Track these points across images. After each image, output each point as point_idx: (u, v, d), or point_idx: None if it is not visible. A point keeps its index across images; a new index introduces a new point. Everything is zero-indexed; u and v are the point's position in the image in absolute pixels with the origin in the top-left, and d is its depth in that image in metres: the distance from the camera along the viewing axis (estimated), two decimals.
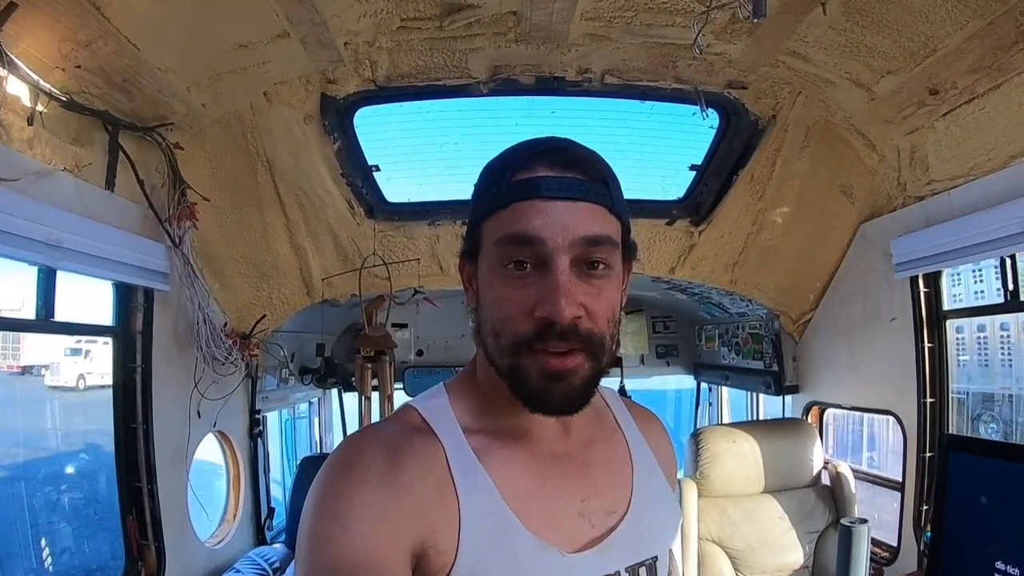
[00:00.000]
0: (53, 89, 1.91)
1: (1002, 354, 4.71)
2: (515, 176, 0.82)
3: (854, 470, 3.09)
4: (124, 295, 2.41)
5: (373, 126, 2.86)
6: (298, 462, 3.60)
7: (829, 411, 3.57)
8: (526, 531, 0.83)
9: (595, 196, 0.83)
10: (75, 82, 1.98)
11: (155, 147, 2.40)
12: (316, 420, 4.67)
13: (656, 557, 0.95)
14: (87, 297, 2.41)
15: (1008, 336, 4.71)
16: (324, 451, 4.40)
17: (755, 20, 1.87)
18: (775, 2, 2.11)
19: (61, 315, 2.12)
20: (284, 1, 1.98)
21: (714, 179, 3.13)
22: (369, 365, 3.36)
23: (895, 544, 2.84)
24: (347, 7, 2.11)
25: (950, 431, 2.71)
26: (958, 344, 4.52)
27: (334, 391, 4.54)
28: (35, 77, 1.83)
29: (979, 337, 4.75)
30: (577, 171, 0.83)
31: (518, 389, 0.83)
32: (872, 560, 2.48)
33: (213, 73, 2.30)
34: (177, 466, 2.60)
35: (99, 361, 2.54)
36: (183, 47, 2.12)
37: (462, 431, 0.88)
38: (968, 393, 4.53)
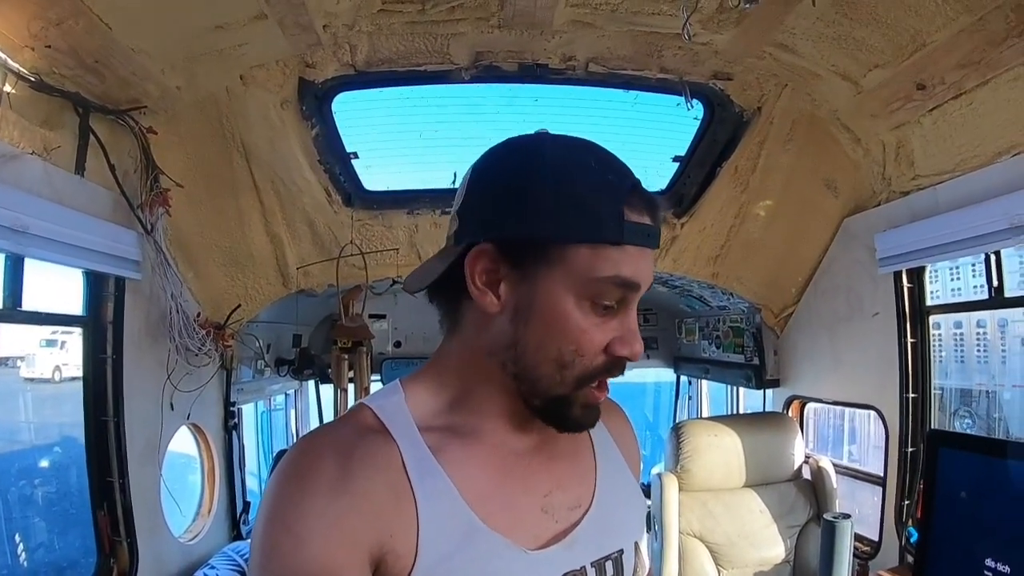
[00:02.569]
0: (22, 69, 1.84)
1: (978, 351, 4.75)
2: (628, 214, 0.78)
3: (835, 464, 3.09)
4: (95, 284, 2.34)
5: (352, 112, 2.81)
6: (274, 455, 3.55)
7: (810, 405, 3.57)
8: (487, 529, 0.80)
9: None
10: (45, 62, 1.90)
11: (127, 131, 2.32)
12: (293, 412, 4.61)
13: (622, 550, 0.93)
14: (59, 286, 2.35)
15: (984, 333, 4.75)
16: None
17: (748, 6, 1.83)
18: None
19: (30, 304, 2.05)
20: None
21: (697, 171, 3.11)
22: (345, 356, 3.31)
23: (876, 539, 2.84)
24: None
25: (932, 426, 2.70)
26: (936, 341, 4.56)
27: (311, 383, 4.42)
28: (3, 56, 1.76)
29: (956, 334, 4.79)
30: (659, 222, 0.84)
31: (556, 415, 0.85)
32: (854, 555, 2.48)
33: (188, 55, 2.23)
34: (149, 460, 2.54)
35: (75, 352, 2.47)
36: (157, 27, 2.05)
37: (418, 430, 0.84)
38: (944, 389, 4.57)
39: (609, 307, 0.80)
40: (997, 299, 2.47)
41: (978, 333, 4.75)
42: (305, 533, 0.73)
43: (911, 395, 2.69)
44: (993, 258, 2.43)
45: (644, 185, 0.82)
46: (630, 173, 0.83)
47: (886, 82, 2.39)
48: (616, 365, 0.82)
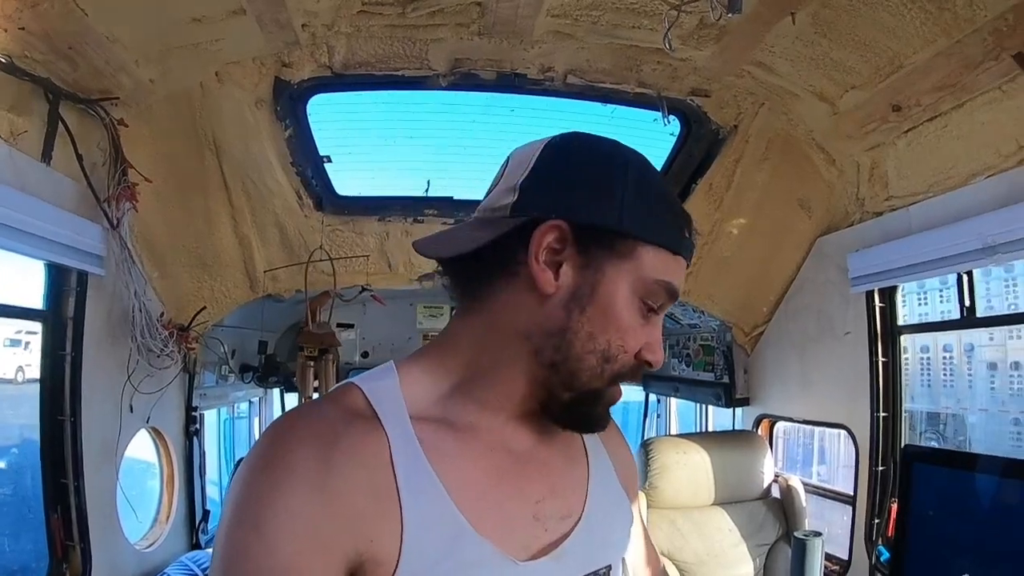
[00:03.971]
0: None
1: (944, 375, 4.82)
2: (685, 232, 0.84)
3: (804, 483, 3.09)
4: (56, 277, 2.26)
5: (327, 115, 2.79)
6: (235, 463, 3.47)
7: (779, 424, 3.57)
8: (476, 535, 0.75)
9: None
10: (17, 45, 1.85)
11: (97, 122, 2.26)
12: (257, 420, 4.54)
13: (610, 566, 0.89)
14: (16, 282, 2.30)
15: (951, 358, 4.82)
16: None
17: (730, 15, 1.83)
18: (744, 10, 2.09)
19: None
20: None
21: (672, 187, 3.10)
22: (311, 364, 3.26)
23: (846, 558, 2.84)
24: None
25: (903, 444, 2.72)
26: (903, 365, 4.61)
27: (276, 391, 4.40)
28: None
29: (923, 359, 4.85)
30: None
31: (580, 411, 0.83)
32: (824, 574, 2.46)
33: (163, 47, 2.19)
34: (106, 463, 2.46)
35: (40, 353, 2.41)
36: (134, 16, 2.00)
37: (411, 419, 0.78)
38: (911, 412, 4.62)
39: (651, 311, 0.82)
40: (969, 319, 2.50)
41: (944, 357, 4.81)
42: (275, 535, 0.67)
43: (882, 414, 2.71)
44: (965, 278, 2.45)
45: None
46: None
47: (862, 103, 2.42)
48: (639, 369, 0.83)
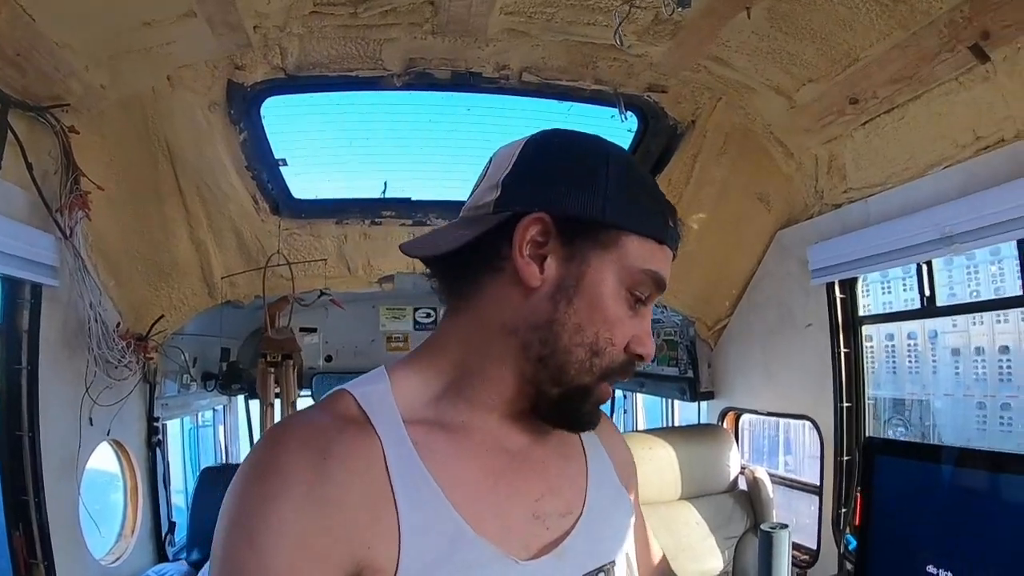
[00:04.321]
0: None
1: (910, 362, 4.88)
2: (668, 221, 0.84)
3: (771, 475, 3.12)
4: (9, 290, 2.22)
5: (281, 117, 2.76)
6: (199, 473, 3.43)
7: (745, 417, 3.60)
8: (476, 536, 0.74)
9: None
10: None
11: (48, 129, 2.21)
12: (222, 429, 4.48)
13: (613, 562, 0.88)
14: None
15: (915, 345, 4.88)
16: (229, 461, 4.24)
17: (680, 10, 1.84)
18: (700, 5, 2.10)
19: None
20: None
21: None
22: (271, 371, 3.22)
23: (815, 547, 2.86)
24: None
25: (867, 435, 2.75)
26: (869, 352, 4.64)
27: (240, 398, 4.33)
28: None
29: (888, 346, 4.91)
30: None
31: (568, 408, 0.83)
32: (792, 564, 2.47)
33: (114, 52, 2.15)
34: (67, 477, 2.41)
35: None
36: (83, 21, 1.97)
37: (403, 422, 0.77)
38: (877, 399, 4.68)
39: (639, 302, 0.82)
40: (929, 308, 2.53)
41: (909, 345, 4.87)
42: (269, 547, 0.66)
43: (845, 404, 2.73)
44: (925, 268, 2.48)
45: None
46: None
47: (819, 96, 2.43)
48: (630, 365, 0.83)
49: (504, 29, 2.31)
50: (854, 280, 2.75)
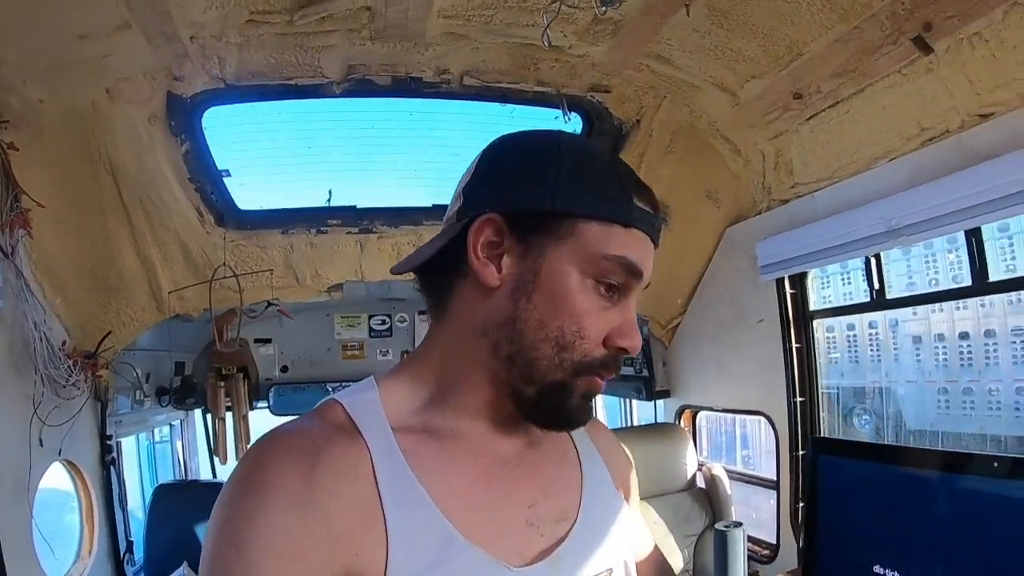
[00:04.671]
0: None
1: (871, 350, 4.93)
2: (636, 200, 0.80)
3: (729, 471, 3.13)
4: None
5: (223, 128, 2.75)
6: (154, 489, 3.38)
7: (702, 414, 3.62)
8: (467, 543, 0.73)
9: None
10: None
11: None
12: (179, 444, 4.43)
13: (611, 570, 0.87)
14: None
15: (876, 334, 4.93)
16: (188, 476, 4.19)
17: (604, 9, 1.84)
18: (638, 4, 2.10)
19: None
20: None
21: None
22: (221, 384, 3.18)
23: (774, 542, 2.88)
24: None
25: (822, 429, 2.77)
26: (830, 342, 4.67)
27: (197, 412, 4.29)
28: None
29: (849, 336, 4.96)
30: (660, 217, 0.84)
31: (550, 405, 0.80)
32: (752, 559, 2.49)
33: (51, 65, 2.12)
34: (19, 501, 2.36)
35: None
36: (18, 35, 1.94)
37: (392, 430, 0.77)
38: (841, 388, 4.73)
39: (612, 290, 0.79)
40: (879, 301, 2.55)
41: (870, 334, 4.92)
42: (256, 555, 0.65)
43: (799, 399, 2.75)
44: (873, 261, 2.50)
45: None
46: (634, 172, 0.85)
47: (763, 92, 2.45)
48: (614, 360, 0.80)
49: (443, 33, 2.31)
50: (804, 275, 2.78)
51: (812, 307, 2.82)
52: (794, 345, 2.77)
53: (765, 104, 2.50)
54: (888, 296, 2.56)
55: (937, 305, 4.54)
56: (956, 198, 2.00)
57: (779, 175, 2.70)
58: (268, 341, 4.28)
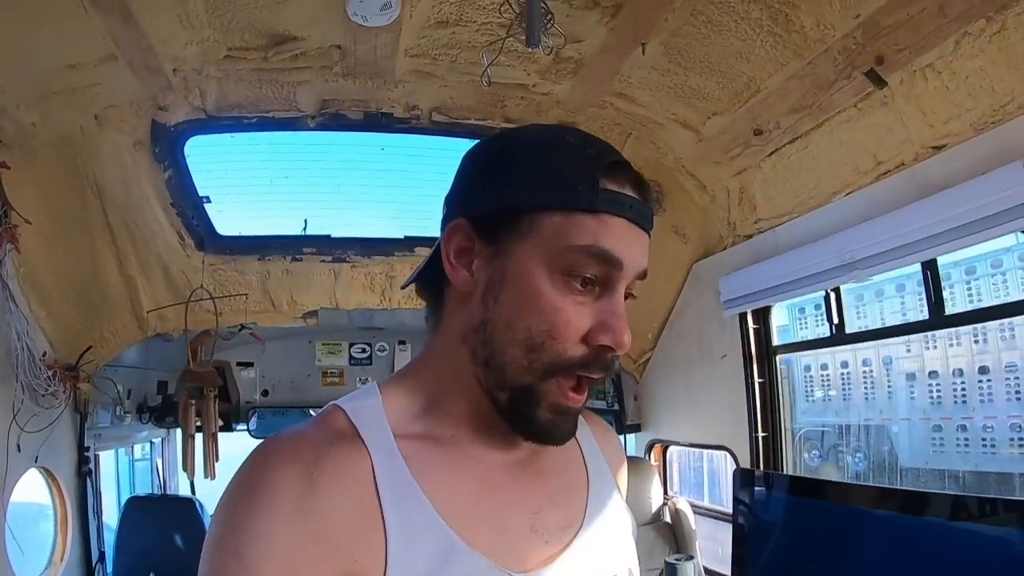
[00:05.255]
0: None
1: (865, 388, 4.91)
2: (604, 183, 0.73)
3: (696, 505, 3.13)
4: None
5: (204, 156, 2.86)
6: (123, 503, 3.45)
7: (672, 448, 3.62)
8: (469, 550, 0.71)
9: (651, 229, 0.80)
10: None
11: None
12: (160, 461, 4.48)
13: None
14: None
15: (871, 371, 4.91)
16: (165, 491, 4.24)
17: (531, 49, 1.90)
18: (596, 43, 2.17)
19: None
20: (110, 23, 1.95)
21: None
22: (192, 403, 3.25)
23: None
24: (173, 33, 2.11)
25: (785, 465, 2.76)
26: (823, 380, 4.66)
27: (178, 431, 4.24)
28: None
29: (842, 373, 4.94)
30: (648, 200, 0.79)
31: (520, 414, 0.76)
32: None
33: (43, 92, 2.24)
34: None
35: None
36: (11, 63, 2.06)
37: (394, 436, 0.75)
38: (833, 426, 4.71)
39: (588, 284, 0.73)
40: (839, 336, 2.57)
41: (864, 372, 4.90)
42: (255, 559, 0.64)
43: (761, 434, 2.75)
44: (833, 295, 2.52)
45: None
46: (615, 152, 0.78)
47: (725, 129, 2.51)
48: (598, 359, 0.74)
49: (411, 71, 2.42)
50: (767, 310, 2.80)
51: (776, 342, 2.83)
52: (757, 380, 2.78)
53: (727, 140, 2.56)
54: (847, 331, 2.57)
55: (931, 341, 4.53)
56: (910, 230, 2.02)
57: (743, 211, 2.75)
58: (250, 364, 4.31)
